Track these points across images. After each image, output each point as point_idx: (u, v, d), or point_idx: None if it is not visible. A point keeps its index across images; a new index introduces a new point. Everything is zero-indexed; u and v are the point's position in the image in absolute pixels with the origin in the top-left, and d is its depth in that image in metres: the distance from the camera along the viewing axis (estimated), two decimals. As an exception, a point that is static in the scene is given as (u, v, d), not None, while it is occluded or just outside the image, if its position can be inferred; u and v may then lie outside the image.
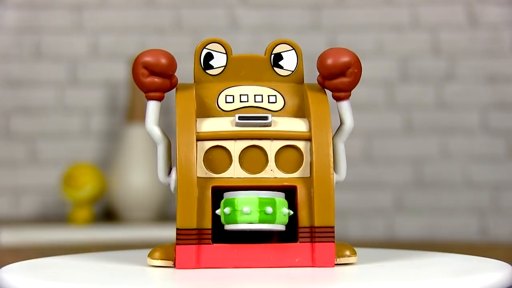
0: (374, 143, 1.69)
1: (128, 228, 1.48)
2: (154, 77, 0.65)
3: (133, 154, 1.56)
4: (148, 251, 0.66)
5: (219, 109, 0.66)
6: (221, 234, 0.64)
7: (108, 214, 1.64)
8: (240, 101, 0.66)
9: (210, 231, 0.62)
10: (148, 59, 0.64)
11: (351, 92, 0.65)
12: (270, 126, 0.63)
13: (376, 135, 1.69)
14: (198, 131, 0.64)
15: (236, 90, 0.66)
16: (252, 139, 0.64)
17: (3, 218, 1.66)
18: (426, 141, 1.70)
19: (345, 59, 0.63)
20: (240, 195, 0.62)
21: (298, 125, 0.64)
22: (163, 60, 0.64)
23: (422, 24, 1.72)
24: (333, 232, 0.61)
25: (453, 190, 1.69)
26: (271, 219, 0.61)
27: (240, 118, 0.63)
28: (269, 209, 0.61)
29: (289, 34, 1.68)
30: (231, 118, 0.64)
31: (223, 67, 0.68)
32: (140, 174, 1.55)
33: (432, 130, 1.70)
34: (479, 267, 0.62)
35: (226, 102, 0.66)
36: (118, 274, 0.61)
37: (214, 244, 0.62)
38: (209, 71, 0.68)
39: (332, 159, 0.62)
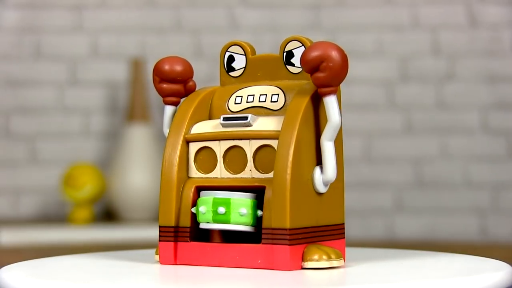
0: (374, 143, 1.70)
1: (128, 228, 1.48)
2: (166, 84, 0.67)
3: (133, 154, 1.56)
4: (147, 251, 0.66)
5: (228, 110, 0.66)
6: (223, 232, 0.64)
7: (108, 214, 1.64)
8: (247, 102, 0.66)
9: (188, 229, 0.64)
10: (160, 66, 0.67)
11: (337, 87, 0.61)
12: (250, 126, 0.63)
13: (376, 135, 1.69)
14: (190, 133, 0.65)
15: (245, 91, 0.67)
16: (233, 139, 0.64)
17: (3, 218, 1.66)
18: (426, 141, 1.70)
19: (316, 53, 0.61)
20: (202, 195, 0.63)
21: (275, 125, 0.63)
22: (174, 67, 0.67)
23: (422, 24, 1.72)
24: (288, 234, 0.59)
25: (453, 190, 1.69)
26: (225, 219, 0.61)
27: (224, 119, 0.64)
28: (221, 209, 0.61)
29: (289, 34, 1.67)
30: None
31: (243, 69, 0.68)
32: (140, 174, 1.55)
33: (432, 130, 1.70)
34: (479, 267, 0.62)
35: (235, 103, 0.66)
36: (118, 274, 0.61)
37: (191, 242, 0.64)
38: (232, 73, 0.68)
39: (290, 159, 0.60)
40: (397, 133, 1.70)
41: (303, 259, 0.61)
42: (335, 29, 1.71)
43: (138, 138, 1.57)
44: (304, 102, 0.61)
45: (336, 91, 0.61)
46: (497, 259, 0.65)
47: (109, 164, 1.61)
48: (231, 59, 0.69)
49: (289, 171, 0.60)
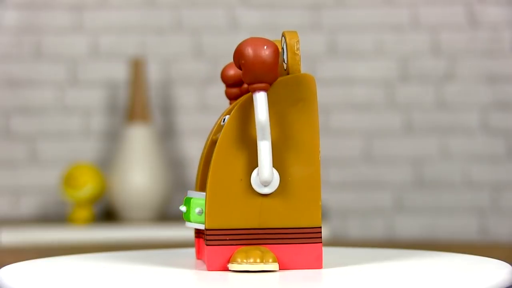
0: (374, 143, 1.69)
1: (128, 228, 1.48)
2: (228, 88, 0.70)
3: (133, 154, 1.56)
4: (147, 251, 0.66)
5: None
6: None
7: (108, 214, 1.64)
8: None
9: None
10: (221, 73, 0.69)
11: (263, 85, 0.59)
12: None
13: (376, 135, 1.69)
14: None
15: None
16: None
17: (3, 218, 1.66)
18: (426, 141, 1.70)
19: (236, 50, 0.60)
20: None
21: None
22: (227, 72, 0.69)
23: (422, 24, 1.72)
24: (206, 234, 0.60)
25: (453, 190, 1.69)
26: (187, 218, 0.63)
27: (222, 120, 0.65)
28: (182, 208, 0.64)
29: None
30: None
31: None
32: (140, 174, 1.55)
33: (432, 130, 1.70)
34: (479, 267, 0.62)
35: None
36: (118, 274, 0.61)
37: (201, 239, 0.67)
38: None
39: (212, 159, 0.60)
40: (397, 133, 1.70)
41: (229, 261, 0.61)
42: (335, 29, 1.71)
43: (138, 138, 1.57)
44: (239, 102, 0.62)
45: (262, 88, 0.59)
46: (497, 259, 0.65)
47: (109, 164, 1.61)
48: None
49: (210, 171, 0.61)
